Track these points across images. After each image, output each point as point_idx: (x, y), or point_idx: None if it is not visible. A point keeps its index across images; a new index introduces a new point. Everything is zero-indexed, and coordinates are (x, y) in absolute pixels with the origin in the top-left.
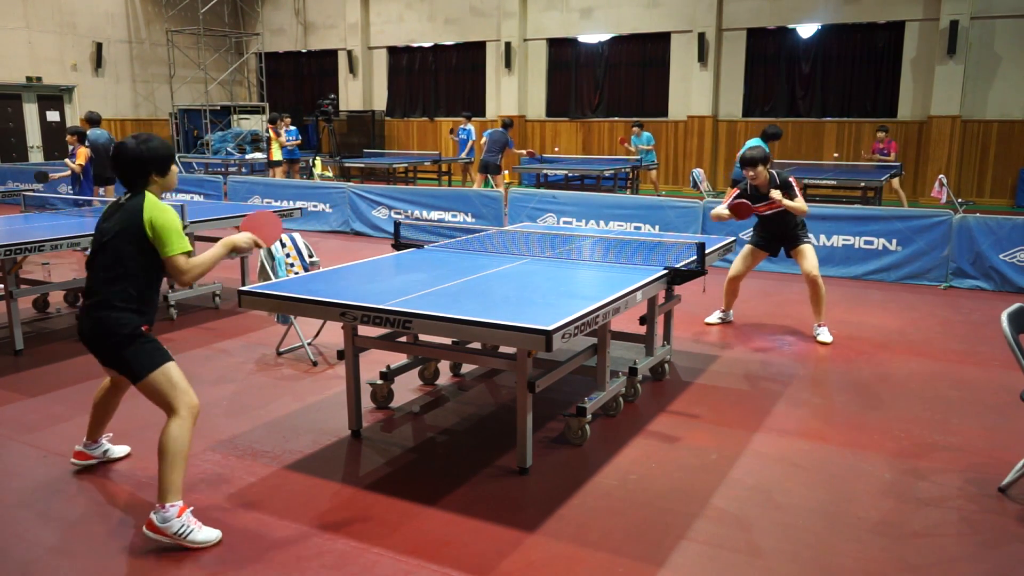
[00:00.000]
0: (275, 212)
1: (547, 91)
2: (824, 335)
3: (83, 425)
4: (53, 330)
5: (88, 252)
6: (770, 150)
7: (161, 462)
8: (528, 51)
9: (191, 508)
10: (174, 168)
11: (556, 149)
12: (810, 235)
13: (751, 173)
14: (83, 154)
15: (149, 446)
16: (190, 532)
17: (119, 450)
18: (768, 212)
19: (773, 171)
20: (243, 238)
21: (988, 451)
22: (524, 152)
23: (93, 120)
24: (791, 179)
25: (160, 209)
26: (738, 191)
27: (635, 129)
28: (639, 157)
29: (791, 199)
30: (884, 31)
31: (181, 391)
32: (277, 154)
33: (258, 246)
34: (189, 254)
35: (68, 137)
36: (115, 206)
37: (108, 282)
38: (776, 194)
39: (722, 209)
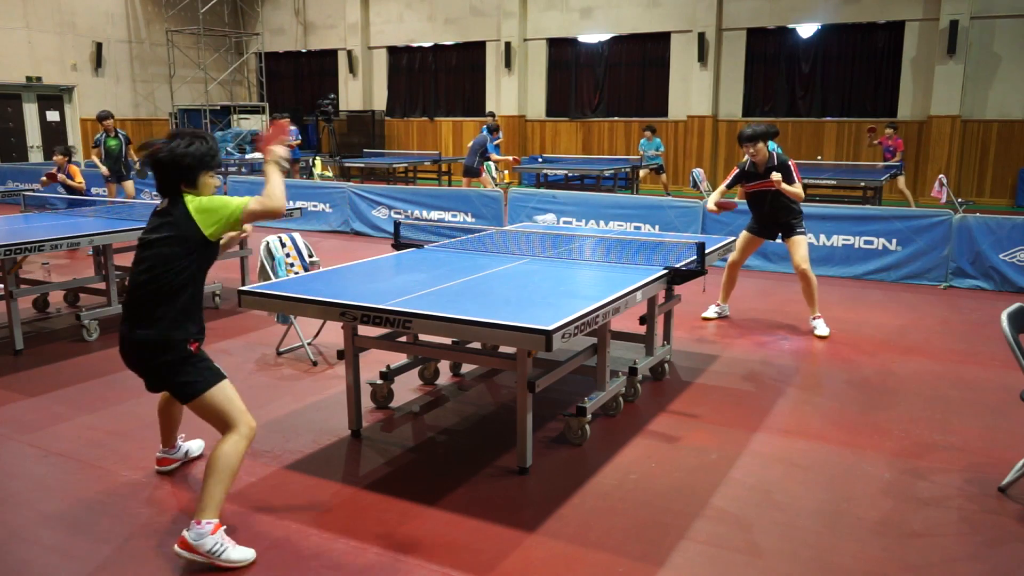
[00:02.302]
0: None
1: (547, 91)
2: (821, 328)
3: (83, 424)
4: (53, 330)
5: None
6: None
7: (208, 477)
8: (528, 51)
9: (224, 527)
10: (206, 180)
11: (540, 160)
12: (805, 227)
13: (751, 149)
14: (77, 172)
15: (148, 446)
16: (224, 551)
17: (196, 446)
18: (757, 190)
19: (774, 152)
20: (279, 151)
21: (988, 451)
22: (511, 159)
23: (104, 117)
24: (791, 162)
25: (201, 197)
26: (736, 171)
27: (647, 133)
28: (651, 160)
29: (790, 183)
30: (884, 31)
31: (240, 411)
32: None
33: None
34: (245, 204)
35: (57, 158)
36: (156, 214)
37: (152, 296)
38: (776, 176)
39: (711, 203)
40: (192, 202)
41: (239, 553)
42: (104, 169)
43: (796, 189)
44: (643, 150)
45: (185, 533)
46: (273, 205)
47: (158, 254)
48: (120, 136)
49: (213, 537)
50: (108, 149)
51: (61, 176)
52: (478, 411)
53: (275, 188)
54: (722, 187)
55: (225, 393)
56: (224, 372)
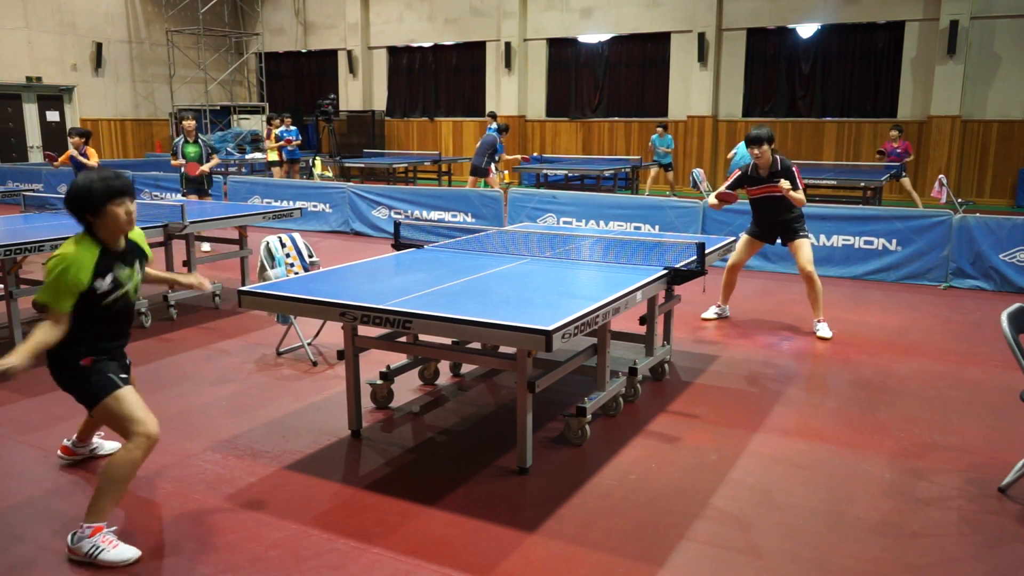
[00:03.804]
0: None
1: (547, 91)
2: (823, 331)
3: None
4: None
5: None
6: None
7: (100, 484)
8: (528, 51)
9: (114, 528)
10: (112, 210)
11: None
12: (807, 230)
13: (756, 151)
14: (94, 154)
15: None
16: (99, 552)
17: (109, 446)
18: (761, 195)
19: (778, 156)
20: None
21: (988, 451)
22: (517, 158)
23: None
24: (794, 168)
25: (61, 254)
26: (739, 173)
27: (659, 130)
28: (662, 159)
29: (794, 189)
30: (884, 31)
31: (135, 420)
32: (271, 154)
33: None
34: (48, 309)
35: (74, 139)
36: None
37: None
38: (785, 184)
39: (712, 198)
40: (55, 253)
41: (117, 553)
42: (180, 161)
43: (800, 196)
44: (655, 146)
45: (68, 535)
46: (45, 340)
47: None
48: (201, 142)
49: (91, 540)
50: (184, 156)
51: (75, 152)
52: (478, 411)
53: (38, 340)
54: (723, 188)
55: (120, 403)
56: (120, 382)
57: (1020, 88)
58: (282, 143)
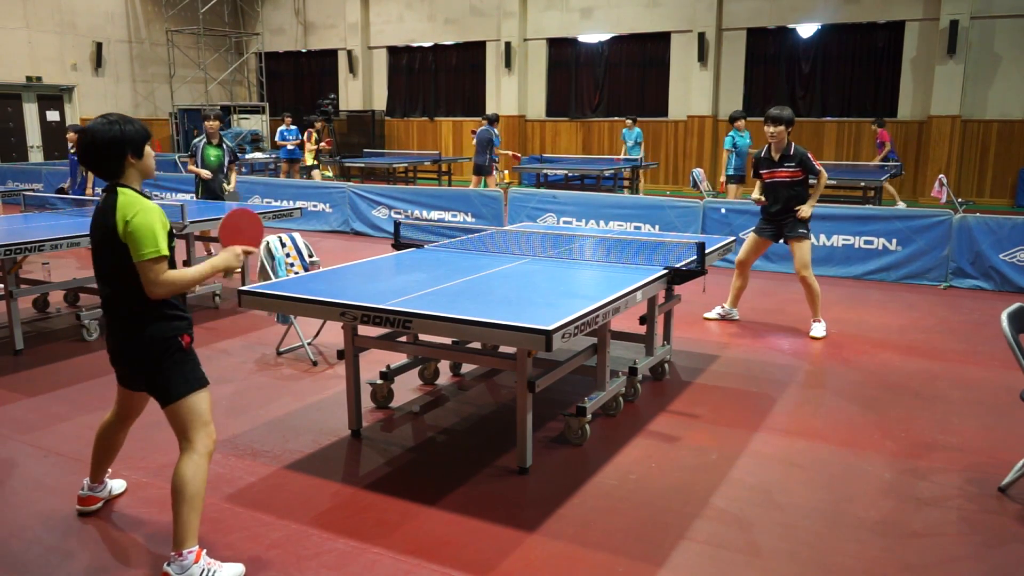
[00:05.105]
0: (251, 211)
1: (547, 91)
2: (816, 330)
3: (83, 424)
4: (53, 330)
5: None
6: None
7: (180, 505)
8: (528, 51)
9: (205, 549)
10: (149, 150)
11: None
12: (809, 229)
13: (772, 130)
14: None
15: (148, 446)
16: (213, 574)
17: (118, 485)
18: (771, 179)
19: (792, 142)
20: (233, 256)
21: (988, 451)
22: (509, 153)
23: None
24: (809, 154)
25: (135, 207)
26: (754, 161)
27: (627, 122)
28: (637, 158)
29: (813, 174)
30: (884, 31)
31: (207, 424)
32: (309, 157)
33: (247, 253)
34: (164, 260)
35: (70, 135)
36: (98, 210)
37: (120, 294)
38: (805, 211)
39: (755, 195)
40: (122, 212)
41: (229, 571)
42: (204, 173)
43: (820, 185)
44: (625, 140)
45: (167, 567)
46: (159, 289)
47: (109, 257)
48: (224, 147)
49: (198, 565)
50: (205, 160)
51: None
52: (478, 411)
53: (183, 281)
54: (758, 186)
55: (204, 403)
56: (207, 379)
57: (1020, 88)
58: (284, 143)
